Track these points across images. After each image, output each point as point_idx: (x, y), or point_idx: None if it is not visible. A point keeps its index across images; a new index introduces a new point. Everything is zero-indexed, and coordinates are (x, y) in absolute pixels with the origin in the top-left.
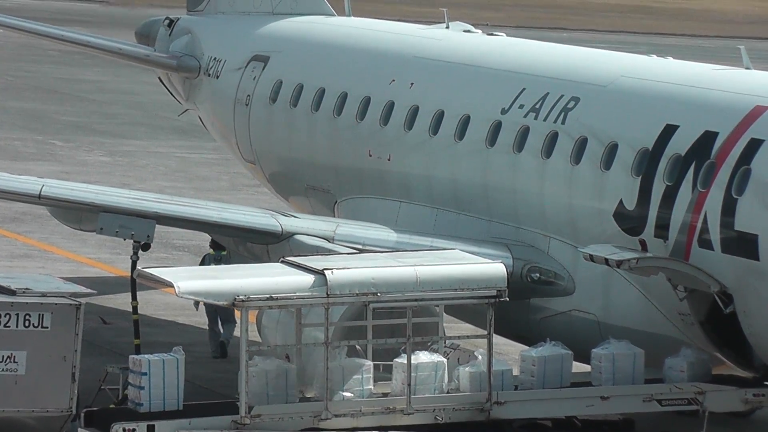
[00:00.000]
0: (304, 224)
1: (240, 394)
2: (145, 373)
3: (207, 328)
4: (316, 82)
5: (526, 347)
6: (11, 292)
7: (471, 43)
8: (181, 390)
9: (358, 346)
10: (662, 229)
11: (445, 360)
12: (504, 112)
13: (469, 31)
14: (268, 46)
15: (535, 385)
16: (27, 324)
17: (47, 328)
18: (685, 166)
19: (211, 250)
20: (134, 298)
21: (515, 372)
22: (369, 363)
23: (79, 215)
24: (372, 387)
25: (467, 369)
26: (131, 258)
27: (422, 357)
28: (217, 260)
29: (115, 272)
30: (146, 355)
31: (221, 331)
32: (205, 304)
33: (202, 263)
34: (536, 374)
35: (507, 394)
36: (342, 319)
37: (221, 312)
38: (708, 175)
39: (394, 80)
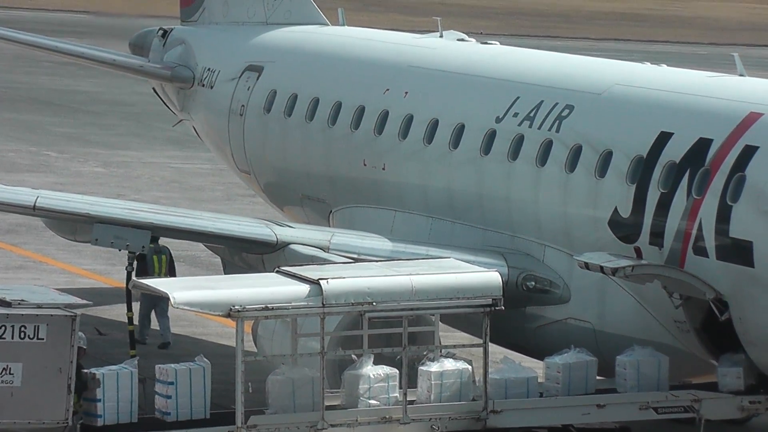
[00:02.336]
0: (299, 234)
1: (236, 405)
2: (172, 383)
3: (198, 337)
4: (310, 91)
5: (550, 355)
6: (6, 304)
7: (465, 51)
8: (208, 398)
9: (354, 356)
10: (657, 236)
11: (470, 367)
12: (498, 120)
13: (463, 39)
14: (262, 56)
15: (560, 392)
16: (22, 336)
17: (43, 339)
18: (680, 174)
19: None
20: (129, 309)
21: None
22: (395, 371)
23: (74, 226)
24: (398, 395)
25: (493, 376)
26: (126, 269)
27: (447, 364)
28: (157, 252)
29: (111, 283)
30: (173, 365)
31: (149, 323)
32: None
33: (141, 258)
34: (561, 381)
35: (503, 402)
36: (338, 328)
37: (157, 304)
38: (703, 183)
39: (388, 89)
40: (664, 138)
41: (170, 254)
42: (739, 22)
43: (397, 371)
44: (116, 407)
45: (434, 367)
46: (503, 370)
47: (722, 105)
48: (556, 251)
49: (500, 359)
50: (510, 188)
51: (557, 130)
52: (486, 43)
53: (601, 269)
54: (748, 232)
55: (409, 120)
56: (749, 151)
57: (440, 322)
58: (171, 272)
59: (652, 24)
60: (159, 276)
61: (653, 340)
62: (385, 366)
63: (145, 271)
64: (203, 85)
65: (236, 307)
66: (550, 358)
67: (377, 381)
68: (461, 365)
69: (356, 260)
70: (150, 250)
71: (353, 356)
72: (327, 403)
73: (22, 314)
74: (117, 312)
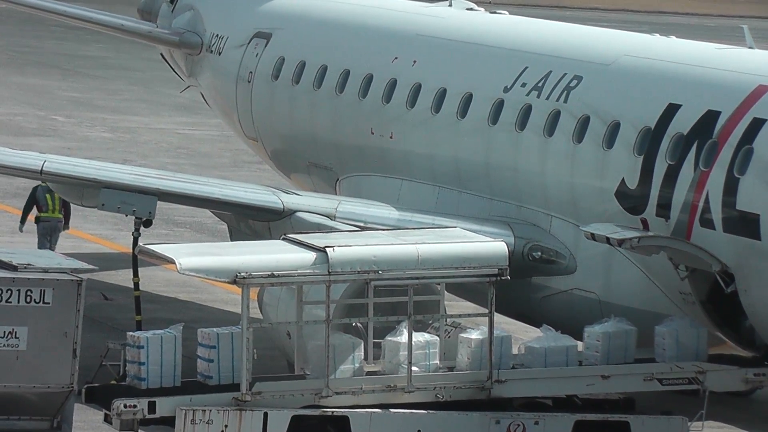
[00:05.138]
0: (305, 201)
1: (241, 372)
2: (214, 347)
3: (204, 303)
4: (318, 59)
5: (590, 324)
6: (13, 268)
7: (474, 21)
8: (250, 363)
9: (359, 324)
10: (664, 208)
11: (510, 335)
12: (506, 90)
13: (471, 9)
14: (270, 23)
15: (600, 361)
16: (28, 300)
17: (49, 303)
18: (688, 146)
19: (41, 182)
20: (135, 274)
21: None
22: (435, 338)
23: (81, 191)
24: (438, 362)
25: (532, 344)
26: (133, 234)
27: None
28: (50, 191)
29: (117, 248)
30: (215, 329)
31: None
32: (38, 227)
33: (33, 193)
34: (600, 350)
35: (508, 372)
36: (343, 296)
37: (52, 236)
38: (710, 155)
39: (396, 58)
40: (672, 110)
41: None
42: None
43: (437, 338)
44: (160, 371)
45: (474, 335)
46: (542, 339)
47: (731, 77)
48: (563, 222)
49: (540, 327)
50: (517, 158)
51: (565, 101)
52: (495, 12)
53: (608, 240)
54: (755, 204)
55: (417, 89)
56: (757, 124)
57: (446, 292)
58: (65, 208)
59: None
60: (52, 212)
61: (659, 311)
62: (425, 333)
63: (38, 207)
64: (211, 52)
65: (242, 273)
66: (590, 327)
67: (417, 348)
68: (501, 333)
69: (362, 228)
70: (43, 189)
71: (358, 324)
72: (367, 369)
73: (29, 278)
74: (123, 277)
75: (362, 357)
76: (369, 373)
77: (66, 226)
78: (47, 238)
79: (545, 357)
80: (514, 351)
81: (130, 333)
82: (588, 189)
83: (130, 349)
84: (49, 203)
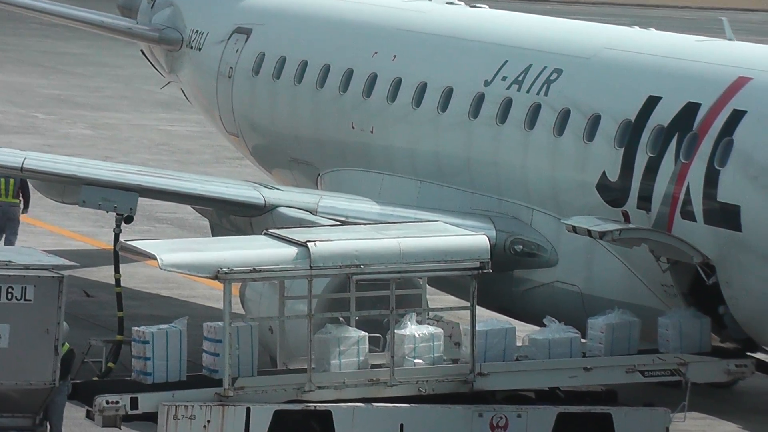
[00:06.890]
0: (287, 197)
1: (225, 368)
2: (220, 341)
3: (186, 299)
4: (298, 54)
5: (594, 316)
6: None
7: (454, 15)
8: (255, 357)
9: (341, 318)
10: (645, 200)
11: (514, 327)
12: (487, 84)
13: (452, 3)
14: (250, 18)
15: (603, 353)
16: (9, 297)
17: (30, 300)
18: (668, 138)
19: None
20: (117, 270)
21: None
22: (440, 330)
23: (62, 188)
24: (442, 354)
25: (536, 336)
26: (114, 231)
27: (492, 324)
28: (4, 174)
29: (98, 245)
30: (220, 323)
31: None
32: None
33: None
34: (604, 341)
35: (490, 365)
36: (325, 291)
37: (7, 225)
38: (690, 147)
39: (376, 52)
40: (652, 102)
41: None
42: None
43: (442, 331)
44: (165, 366)
45: (479, 327)
46: (546, 331)
47: (711, 69)
48: (544, 215)
49: (544, 319)
50: (498, 152)
51: (545, 94)
52: (475, 6)
53: (589, 233)
54: (736, 196)
55: (397, 83)
56: (737, 116)
57: (428, 285)
58: (23, 192)
59: None
60: (6, 196)
61: (640, 303)
62: (429, 326)
63: None
64: (191, 48)
65: (224, 269)
66: (593, 318)
67: (422, 341)
68: (506, 325)
69: (344, 223)
70: None
71: (340, 318)
72: (372, 362)
73: (9, 275)
74: (104, 273)
75: (367, 350)
76: (373, 366)
77: (25, 210)
78: (2, 225)
79: (549, 349)
80: (518, 343)
81: (136, 328)
82: (569, 182)
83: (135, 345)
84: (2, 187)
